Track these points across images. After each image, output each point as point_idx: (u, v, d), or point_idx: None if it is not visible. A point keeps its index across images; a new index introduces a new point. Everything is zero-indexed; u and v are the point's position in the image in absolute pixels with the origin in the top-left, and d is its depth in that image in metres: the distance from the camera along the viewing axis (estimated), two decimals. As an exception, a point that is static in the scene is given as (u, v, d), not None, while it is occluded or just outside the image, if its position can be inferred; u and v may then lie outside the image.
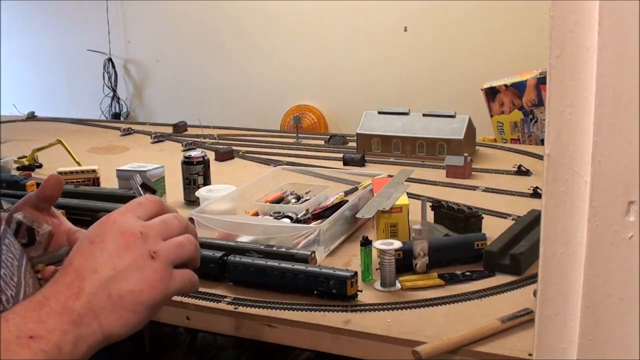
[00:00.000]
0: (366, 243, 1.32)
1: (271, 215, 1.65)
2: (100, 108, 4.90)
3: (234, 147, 2.53)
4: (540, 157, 2.25)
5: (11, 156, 2.39)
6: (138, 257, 0.63)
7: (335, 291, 1.24)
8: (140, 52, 4.92)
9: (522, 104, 2.82)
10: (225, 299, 1.29)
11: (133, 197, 0.73)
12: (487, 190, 1.95)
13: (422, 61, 4.07)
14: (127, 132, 2.98)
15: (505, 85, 2.85)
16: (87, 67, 4.96)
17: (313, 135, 2.98)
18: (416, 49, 4.07)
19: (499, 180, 2.06)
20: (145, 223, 0.66)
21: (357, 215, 1.53)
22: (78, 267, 0.62)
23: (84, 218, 1.56)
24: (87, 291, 0.61)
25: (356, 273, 1.26)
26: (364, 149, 2.37)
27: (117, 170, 1.96)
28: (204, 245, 1.42)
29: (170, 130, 2.98)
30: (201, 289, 1.33)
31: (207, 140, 2.73)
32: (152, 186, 0.78)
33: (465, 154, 2.09)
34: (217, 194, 1.76)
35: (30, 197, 0.81)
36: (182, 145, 2.61)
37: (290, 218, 1.61)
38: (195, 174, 1.90)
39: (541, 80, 2.76)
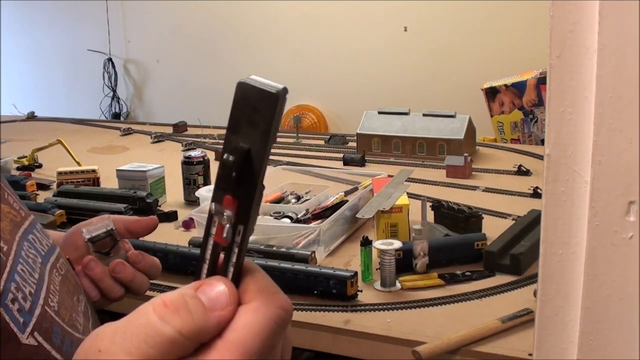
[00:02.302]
0: (366, 243, 1.32)
1: (271, 215, 1.65)
2: (100, 108, 4.90)
3: (234, 147, 2.53)
4: (540, 157, 2.25)
5: (11, 156, 2.39)
6: None
7: (335, 291, 1.24)
8: (140, 52, 4.92)
9: (522, 104, 2.82)
10: (225, 299, 1.29)
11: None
12: (487, 190, 1.95)
13: (422, 61, 4.07)
14: (127, 132, 2.98)
15: (506, 85, 2.85)
16: (87, 67, 4.96)
17: (313, 135, 2.98)
18: (416, 49, 4.07)
19: (499, 180, 2.06)
20: None
21: (357, 215, 1.53)
22: None
23: (83, 218, 1.55)
24: None
25: (356, 273, 1.26)
26: (364, 149, 2.37)
27: (117, 170, 1.96)
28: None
29: (170, 130, 2.98)
30: (201, 289, 1.33)
31: (207, 140, 2.73)
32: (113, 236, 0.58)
33: (466, 154, 2.09)
34: (217, 194, 1.75)
35: (123, 220, 0.83)
36: (182, 145, 2.62)
37: (291, 218, 1.61)
38: (195, 174, 1.90)
39: (541, 80, 2.76)
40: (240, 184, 0.41)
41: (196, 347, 0.40)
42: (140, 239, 1.55)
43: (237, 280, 0.42)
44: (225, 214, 0.41)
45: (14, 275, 0.59)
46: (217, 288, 0.41)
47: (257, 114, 0.41)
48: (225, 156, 0.41)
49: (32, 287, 0.60)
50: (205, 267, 0.43)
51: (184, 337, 0.39)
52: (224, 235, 0.42)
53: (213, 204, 0.42)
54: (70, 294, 0.67)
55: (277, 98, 0.40)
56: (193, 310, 0.39)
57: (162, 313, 0.39)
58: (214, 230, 0.42)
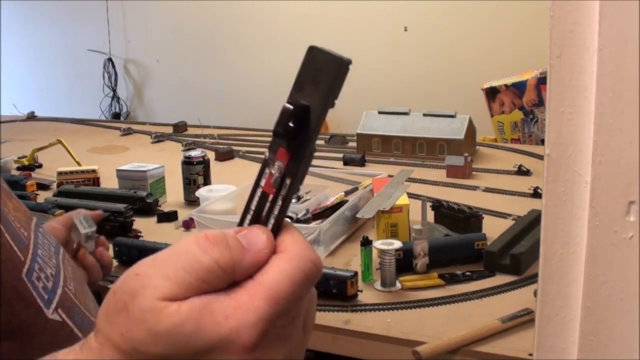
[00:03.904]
0: (366, 243, 1.32)
1: (271, 215, 1.65)
2: (100, 108, 4.90)
3: (234, 147, 2.53)
4: (540, 157, 2.25)
5: (11, 156, 2.39)
6: None
7: (336, 291, 1.24)
8: (140, 52, 4.92)
9: (522, 104, 2.82)
10: (225, 299, 1.29)
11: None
12: (488, 190, 1.95)
13: (422, 61, 4.07)
14: (127, 132, 2.98)
15: (506, 85, 2.85)
16: (87, 67, 4.96)
17: (313, 135, 2.98)
18: (416, 49, 4.07)
19: (499, 180, 2.06)
20: (291, 331, 0.43)
21: (357, 215, 1.53)
22: None
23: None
24: None
25: (356, 273, 1.26)
26: (364, 149, 2.37)
27: (117, 170, 1.96)
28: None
29: (170, 130, 2.98)
30: (201, 289, 1.33)
31: (207, 140, 2.73)
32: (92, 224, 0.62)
33: (466, 154, 2.09)
34: (217, 194, 1.76)
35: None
36: (182, 145, 2.61)
37: (291, 218, 1.61)
38: (195, 174, 1.90)
39: (541, 80, 2.76)
40: (295, 138, 0.44)
41: (229, 283, 0.42)
42: (141, 239, 1.56)
43: (276, 232, 0.45)
44: (276, 163, 0.45)
45: (37, 257, 0.64)
46: (257, 233, 0.44)
47: (321, 76, 0.45)
48: (286, 105, 0.44)
49: (52, 269, 0.65)
50: (249, 217, 0.46)
51: (220, 268, 0.41)
52: (272, 182, 0.45)
53: (267, 152, 0.45)
54: (80, 282, 0.71)
55: (342, 63, 0.45)
56: (232, 246, 0.42)
57: (203, 244, 0.41)
58: (263, 182, 0.45)
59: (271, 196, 0.45)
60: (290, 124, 0.44)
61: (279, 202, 0.45)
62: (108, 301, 0.42)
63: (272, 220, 0.45)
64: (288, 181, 0.45)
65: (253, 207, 0.46)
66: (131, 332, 0.40)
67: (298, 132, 0.45)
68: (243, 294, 0.41)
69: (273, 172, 0.45)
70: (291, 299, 0.42)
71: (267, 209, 0.45)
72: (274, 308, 0.41)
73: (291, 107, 0.44)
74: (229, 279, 0.42)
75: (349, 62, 0.45)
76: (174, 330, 0.40)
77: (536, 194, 1.84)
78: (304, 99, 0.45)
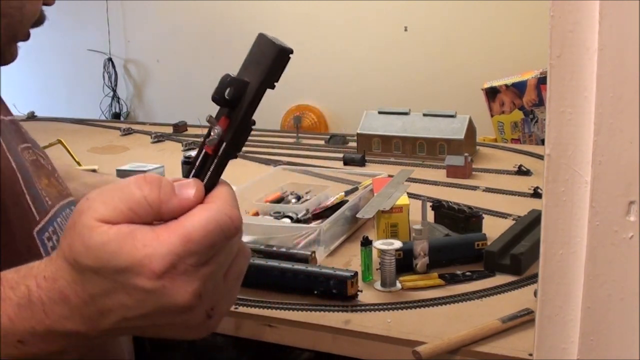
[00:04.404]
0: (366, 243, 1.32)
1: (271, 215, 1.65)
2: (100, 108, 4.90)
3: (234, 147, 2.53)
4: (540, 157, 2.25)
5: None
6: (187, 320, 0.51)
7: (336, 291, 1.24)
8: (140, 52, 4.92)
9: (522, 104, 2.82)
10: (225, 299, 1.29)
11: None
12: (488, 190, 1.95)
13: (422, 61, 4.07)
14: (127, 132, 2.98)
15: (506, 85, 2.85)
16: (87, 67, 4.96)
17: (313, 135, 2.98)
18: (416, 49, 4.07)
19: (500, 180, 2.06)
20: (202, 272, 0.49)
21: (357, 215, 1.53)
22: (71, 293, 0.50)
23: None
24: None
25: (356, 273, 1.26)
26: (364, 149, 2.37)
27: (117, 170, 1.96)
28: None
29: (170, 130, 2.98)
30: (201, 289, 1.33)
31: (207, 140, 2.73)
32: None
33: (466, 154, 2.09)
34: (217, 194, 1.75)
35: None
36: (182, 145, 2.62)
37: (291, 218, 1.61)
38: (196, 174, 1.90)
39: (541, 80, 2.76)
40: (234, 109, 0.52)
41: (156, 218, 0.49)
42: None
43: (210, 187, 0.52)
44: (216, 128, 0.53)
45: (53, 222, 0.73)
46: (189, 183, 0.51)
47: (262, 59, 0.51)
48: (226, 74, 0.51)
49: None
50: (193, 172, 0.54)
51: (147, 202, 0.49)
52: (209, 143, 0.53)
53: (210, 116, 0.54)
54: None
55: (280, 50, 0.51)
56: (162, 187, 0.50)
57: (139, 181, 0.50)
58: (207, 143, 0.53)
59: (210, 156, 0.53)
60: (227, 95, 0.52)
61: (215, 162, 0.52)
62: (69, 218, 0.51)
63: (207, 176, 0.52)
64: (224, 145, 0.52)
65: (197, 163, 0.54)
66: (74, 244, 0.49)
67: (236, 103, 0.52)
68: (164, 229, 0.48)
69: (212, 134, 0.53)
70: (203, 242, 0.48)
71: (206, 167, 0.53)
72: (184, 246, 0.47)
73: (230, 76, 0.52)
74: (155, 214, 0.49)
75: (288, 51, 0.51)
76: (101, 247, 0.47)
77: (536, 194, 1.84)
78: (246, 77, 0.52)
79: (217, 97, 0.52)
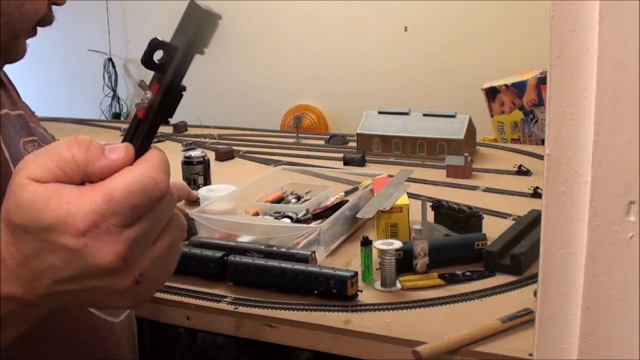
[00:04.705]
0: (366, 243, 1.32)
1: (271, 215, 1.65)
2: (100, 108, 4.90)
3: (234, 147, 2.53)
4: (540, 157, 2.25)
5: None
6: (115, 284, 0.50)
7: (336, 291, 1.24)
8: (140, 52, 4.81)
9: (522, 104, 2.82)
10: (225, 299, 1.29)
11: None
12: (488, 190, 1.95)
13: (422, 61, 4.07)
14: (127, 132, 2.98)
15: (506, 85, 2.85)
16: (87, 67, 4.96)
17: (313, 135, 2.98)
18: (416, 49, 4.07)
19: (499, 180, 2.06)
20: (126, 234, 0.49)
21: (357, 215, 1.53)
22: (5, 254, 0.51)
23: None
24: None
25: (356, 273, 1.26)
26: (364, 149, 2.37)
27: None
28: (204, 245, 1.42)
29: (170, 130, 2.98)
30: (201, 289, 1.33)
31: (207, 140, 2.73)
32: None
33: (466, 154, 2.09)
34: (217, 194, 1.76)
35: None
36: (182, 145, 2.61)
37: (291, 218, 1.61)
38: (196, 174, 1.90)
39: (541, 80, 2.76)
40: (162, 75, 0.53)
41: (83, 178, 0.50)
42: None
43: (140, 152, 0.52)
44: (148, 93, 0.53)
45: None
46: (119, 147, 0.52)
47: (190, 24, 0.52)
48: (155, 39, 0.53)
49: None
50: (125, 136, 0.53)
51: (75, 162, 0.50)
52: (140, 107, 0.53)
53: (142, 81, 0.54)
54: None
55: (206, 14, 0.51)
56: (91, 149, 0.51)
57: (69, 142, 0.51)
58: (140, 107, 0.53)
59: (142, 120, 0.53)
60: (156, 60, 0.53)
61: (146, 126, 0.52)
62: None
63: (138, 140, 0.52)
64: (153, 110, 0.52)
65: (131, 128, 0.53)
66: (8, 203, 0.50)
67: (165, 68, 0.53)
68: (88, 189, 0.49)
69: (143, 99, 0.53)
70: (125, 203, 0.48)
71: (138, 131, 0.53)
72: (106, 205, 0.48)
73: (157, 39, 0.53)
74: (82, 173, 0.50)
75: (215, 15, 0.51)
76: (29, 204, 0.48)
77: (536, 194, 1.84)
78: (176, 42, 0.53)
79: (145, 61, 0.53)
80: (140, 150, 0.52)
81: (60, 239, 0.48)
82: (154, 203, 0.50)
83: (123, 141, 0.53)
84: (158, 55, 0.53)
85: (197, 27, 0.52)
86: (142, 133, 0.53)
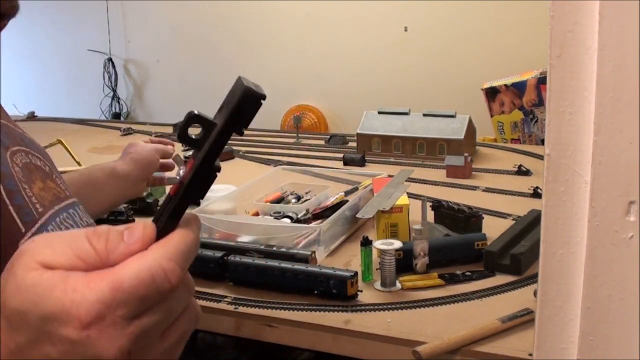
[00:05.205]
0: (366, 243, 1.32)
1: (271, 215, 1.65)
2: (100, 108, 4.90)
3: (234, 147, 2.53)
4: (540, 157, 2.25)
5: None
6: None
7: (336, 291, 1.24)
8: (140, 52, 4.92)
9: (522, 104, 2.82)
10: (225, 299, 1.29)
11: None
12: (487, 190, 1.95)
13: (422, 61, 4.07)
14: (127, 132, 2.98)
15: (506, 85, 2.85)
16: (87, 67, 4.96)
17: (313, 135, 2.98)
18: (416, 49, 4.07)
19: (499, 180, 2.06)
20: (132, 327, 0.45)
21: (357, 215, 1.53)
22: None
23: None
24: None
25: (356, 273, 1.26)
26: (364, 149, 2.37)
27: (117, 170, 1.96)
28: (204, 245, 1.42)
29: (170, 130, 2.98)
30: (201, 289, 1.33)
31: (207, 140, 2.72)
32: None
33: (466, 154, 2.09)
34: (217, 194, 1.76)
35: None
36: (182, 146, 2.61)
37: (291, 218, 1.61)
38: (196, 174, 1.90)
39: (541, 80, 2.76)
40: (199, 151, 0.48)
41: (103, 267, 0.46)
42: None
43: (164, 231, 0.48)
44: (181, 169, 0.49)
45: (43, 231, 0.68)
46: (137, 228, 0.47)
47: (231, 101, 0.47)
48: (192, 113, 0.48)
49: None
50: (156, 215, 0.50)
51: (97, 253, 0.46)
52: (172, 183, 0.50)
53: (178, 155, 0.56)
54: None
55: (248, 93, 0.47)
56: (110, 239, 0.47)
57: (87, 234, 0.47)
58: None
59: (172, 198, 0.49)
60: (193, 135, 0.48)
61: (174, 204, 0.48)
62: None
63: (164, 219, 0.48)
64: (182, 188, 0.48)
65: (163, 205, 0.49)
66: (6, 284, 0.45)
67: (200, 144, 0.48)
68: (97, 275, 0.45)
69: (177, 175, 0.50)
70: (133, 292, 0.44)
71: (167, 208, 0.49)
72: (113, 295, 0.44)
73: (194, 112, 0.47)
74: (103, 264, 0.46)
75: (258, 95, 0.47)
76: (30, 289, 0.44)
77: (536, 194, 1.84)
78: (217, 118, 0.48)
79: (180, 135, 0.48)
80: (165, 230, 0.48)
81: (62, 330, 0.44)
82: (164, 295, 0.46)
83: (154, 220, 0.49)
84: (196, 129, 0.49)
85: (238, 105, 0.47)
86: (168, 211, 0.48)
